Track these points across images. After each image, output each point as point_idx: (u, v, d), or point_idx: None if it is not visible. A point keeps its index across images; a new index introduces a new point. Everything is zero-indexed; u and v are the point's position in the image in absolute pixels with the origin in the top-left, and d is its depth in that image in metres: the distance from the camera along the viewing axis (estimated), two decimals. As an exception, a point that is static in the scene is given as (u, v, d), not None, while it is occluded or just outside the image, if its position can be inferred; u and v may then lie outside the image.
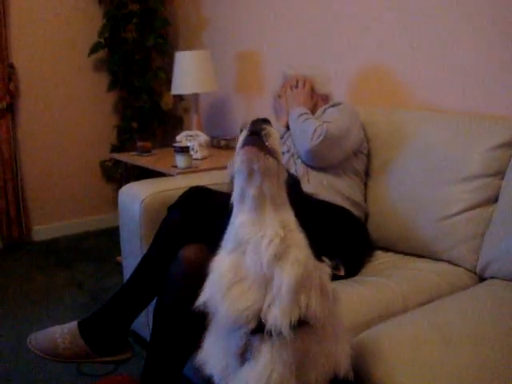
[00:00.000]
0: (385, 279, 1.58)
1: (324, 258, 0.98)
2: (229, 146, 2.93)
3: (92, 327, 1.57)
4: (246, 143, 0.93)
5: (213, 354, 1.03)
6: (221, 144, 3.07)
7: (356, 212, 1.84)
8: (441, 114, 1.99)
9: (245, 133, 0.94)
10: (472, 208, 1.67)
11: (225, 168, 2.20)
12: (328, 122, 1.82)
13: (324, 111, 1.95)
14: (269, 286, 0.91)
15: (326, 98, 2.08)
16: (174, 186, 1.95)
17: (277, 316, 0.89)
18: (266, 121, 0.95)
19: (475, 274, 1.66)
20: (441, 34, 2.02)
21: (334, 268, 1.01)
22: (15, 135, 3.36)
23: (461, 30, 1.95)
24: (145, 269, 1.61)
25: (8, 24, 3.23)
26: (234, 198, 0.97)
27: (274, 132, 0.94)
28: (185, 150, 2.47)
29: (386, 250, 1.89)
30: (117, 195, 2.07)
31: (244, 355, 0.96)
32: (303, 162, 1.88)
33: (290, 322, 0.89)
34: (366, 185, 1.97)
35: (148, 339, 1.56)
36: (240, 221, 0.94)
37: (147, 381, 1.44)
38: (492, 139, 1.66)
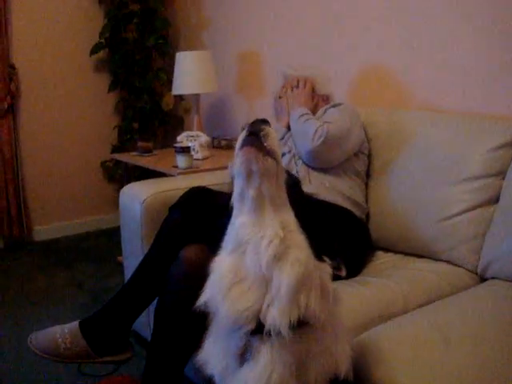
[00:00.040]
0: (385, 279, 1.58)
1: (325, 258, 0.98)
2: (229, 147, 2.93)
3: (93, 327, 1.57)
4: (244, 144, 0.93)
5: (213, 354, 1.03)
6: (221, 144, 3.08)
7: (357, 212, 1.84)
8: (441, 114, 1.99)
9: (243, 134, 0.94)
10: (473, 208, 1.67)
11: (225, 168, 2.21)
12: (329, 122, 1.82)
13: (325, 112, 1.95)
14: (268, 287, 0.91)
15: (326, 99, 2.08)
16: (175, 186, 1.95)
17: (276, 316, 0.89)
18: (264, 121, 0.95)
19: (476, 274, 1.66)
20: (441, 34, 2.02)
21: (336, 268, 1.01)
22: (16, 135, 3.36)
23: (461, 30, 1.95)
24: (146, 269, 1.61)
25: (9, 24, 3.24)
26: (234, 199, 0.97)
27: (273, 132, 0.94)
28: (186, 151, 2.47)
29: (387, 250, 1.89)
30: (118, 195, 2.07)
31: (244, 356, 0.96)
32: (304, 162, 1.88)
33: (290, 322, 0.89)
34: (366, 185, 1.97)
35: (149, 339, 1.56)
36: (240, 222, 0.94)
37: (148, 381, 1.44)
38: (493, 139, 1.66)
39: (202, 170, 2.48)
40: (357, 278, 1.63)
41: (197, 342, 1.28)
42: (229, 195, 1.01)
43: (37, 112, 3.45)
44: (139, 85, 3.47)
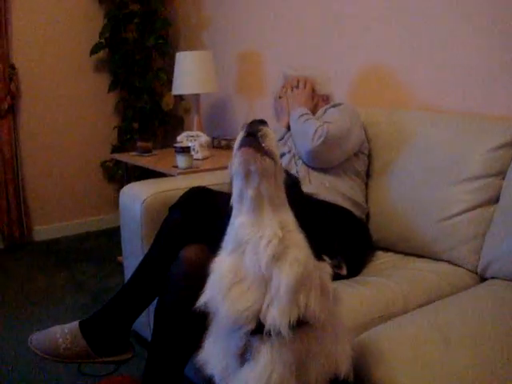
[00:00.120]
0: (385, 279, 1.58)
1: (325, 257, 0.98)
2: (229, 147, 2.93)
3: (93, 327, 1.57)
4: (242, 145, 0.93)
5: (213, 354, 1.03)
6: (221, 144, 3.08)
7: (357, 212, 1.84)
8: (441, 114, 1.99)
9: (241, 134, 0.94)
10: (473, 208, 1.67)
11: (225, 168, 2.21)
12: (329, 122, 1.82)
13: (325, 112, 1.95)
14: (268, 287, 0.91)
15: (326, 99, 2.08)
16: (175, 186, 1.95)
17: (275, 316, 0.89)
18: (262, 122, 0.95)
19: (476, 274, 1.66)
20: (441, 34, 2.02)
21: (336, 267, 1.01)
22: (16, 135, 3.37)
23: (461, 30, 1.95)
24: (146, 269, 1.61)
25: (9, 25, 3.24)
26: (233, 200, 0.97)
27: (271, 133, 0.94)
28: (186, 151, 2.47)
29: (387, 250, 1.89)
30: (118, 195, 2.07)
31: (244, 356, 0.96)
32: (304, 162, 1.88)
33: (289, 322, 0.89)
34: (366, 185, 1.97)
35: (149, 339, 1.56)
36: (239, 222, 0.94)
37: (148, 381, 1.44)
38: (493, 140, 1.66)
39: (202, 170, 2.49)
40: (357, 278, 1.63)
41: (197, 342, 1.28)
42: (229, 195, 1.01)
43: (37, 112, 3.45)
44: (139, 85, 3.47)
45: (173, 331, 1.40)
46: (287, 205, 0.96)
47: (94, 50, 3.45)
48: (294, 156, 1.91)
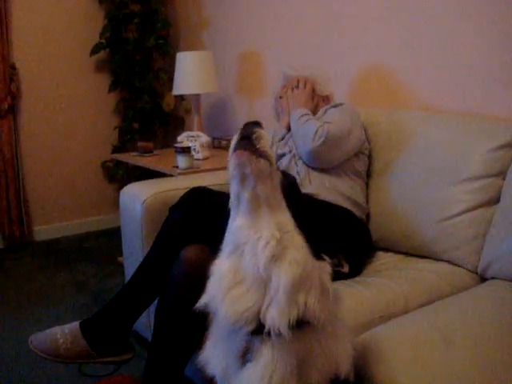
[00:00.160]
0: (386, 280, 1.58)
1: (324, 257, 0.98)
2: (230, 147, 2.93)
3: (94, 327, 1.57)
4: (237, 147, 0.94)
5: (214, 354, 1.03)
6: (222, 144, 3.08)
7: (357, 213, 1.84)
8: (441, 114, 1.99)
9: (236, 137, 0.95)
10: (473, 209, 1.67)
11: (226, 168, 2.20)
12: (329, 122, 1.82)
13: (325, 112, 1.95)
14: (267, 288, 0.91)
15: (326, 99, 2.08)
16: (176, 186, 1.95)
17: (275, 317, 0.90)
18: (256, 124, 0.95)
19: (476, 274, 1.66)
20: (441, 34, 2.02)
21: (337, 265, 1.01)
22: (17, 136, 3.37)
23: (461, 30, 1.95)
24: (146, 269, 1.61)
25: (9, 25, 3.24)
26: (231, 202, 0.97)
27: (265, 134, 0.94)
28: (186, 151, 2.47)
29: (387, 250, 1.89)
30: (118, 196, 2.07)
31: (245, 356, 0.96)
32: (304, 162, 1.88)
33: (289, 322, 0.89)
34: (367, 185, 1.97)
35: (149, 340, 1.56)
36: (237, 224, 0.95)
37: (148, 381, 1.44)
38: (493, 140, 1.66)
39: (202, 171, 2.49)
40: (357, 279, 1.63)
41: (197, 342, 1.28)
42: (229, 195, 1.01)
43: (37, 112, 3.45)
44: (140, 85, 3.47)
45: (173, 331, 1.40)
46: (284, 205, 0.96)
47: (95, 50, 3.45)
48: (294, 156, 1.91)
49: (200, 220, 1.54)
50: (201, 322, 1.05)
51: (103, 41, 3.46)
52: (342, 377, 0.97)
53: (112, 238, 3.42)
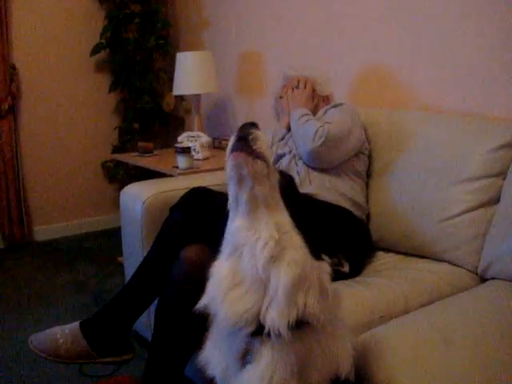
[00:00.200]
0: (386, 280, 1.58)
1: (324, 257, 0.98)
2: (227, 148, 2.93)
3: (94, 327, 1.57)
4: (233, 149, 0.93)
5: (214, 355, 1.03)
6: (222, 145, 3.08)
7: (357, 213, 1.84)
8: (442, 114, 1.99)
9: (232, 139, 0.95)
10: (473, 209, 1.67)
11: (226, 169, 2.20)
12: (329, 122, 1.82)
13: (325, 112, 1.95)
14: (266, 289, 0.91)
15: (327, 99, 2.09)
16: (176, 186, 1.95)
17: (274, 318, 0.90)
18: (253, 125, 0.95)
19: (477, 274, 1.66)
20: (441, 34, 2.02)
21: (337, 265, 1.01)
22: (17, 136, 3.37)
23: (461, 30, 1.95)
24: (146, 269, 1.61)
25: (10, 25, 3.24)
26: (229, 203, 0.97)
27: (262, 135, 0.94)
28: (186, 151, 2.47)
29: (387, 250, 1.89)
30: (118, 196, 2.07)
31: (245, 358, 0.96)
32: (305, 163, 1.88)
33: (288, 322, 0.89)
34: (367, 185, 1.97)
35: (149, 340, 1.56)
36: (236, 225, 0.95)
37: (149, 381, 1.44)
38: (493, 140, 1.66)
39: (202, 171, 2.49)
40: (357, 279, 1.63)
41: (198, 342, 1.28)
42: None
43: (37, 112, 3.45)
44: (140, 85, 3.47)
45: (173, 331, 1.41)
46: (282, 205, 0.96)
47: (95, 51, 3.45)
48: (294, 156, 1.91)
49: (200, 220, 1.54)
50: (201, 322, 1.05)
51: (103, 41, 3.46)
52: (342, 377, 0.97)
53: (112, 238, 3.42)
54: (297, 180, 1.84)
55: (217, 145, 3.13)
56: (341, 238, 1.57)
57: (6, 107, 3.22)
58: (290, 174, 1.84)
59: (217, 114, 3.39)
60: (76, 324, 1.58)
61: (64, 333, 1.56)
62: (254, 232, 0.93)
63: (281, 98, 2.09)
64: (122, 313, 1.58)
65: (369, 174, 1.98)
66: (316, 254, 0.96)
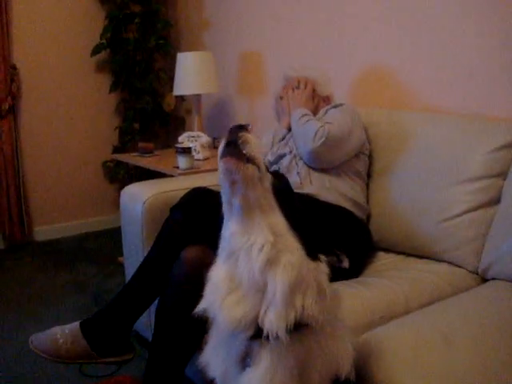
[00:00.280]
0: (386, 280, 1.58)
1: (321, 257, 0.97)
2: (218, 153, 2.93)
3: (94, 328, 1.57)
4: (223, 155, 0.93)
5: (214, 357, 1.03)
6: (222, 145, 3.08)
7: (358, 213, 1.84)
8: (442, 114, 1.99)
9: (222, 143, 0.94)
10: (474, 209, 1.67)
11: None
12: (330, 123, 1.82)
13: (326, 112, 1.95)
14: (264, 292, 0.91)
15: (327, 99, 2.09)
16: (176, 186, 1.96)
17: (272, 321, 0.89)
18: (242, 127, 0.94)
19: (477, 275, 1.66)
20: (441, 34, 2.02)
21: (337, 261, 1.01)
22: (17, 136, 3.37)
23: (461, 30, 1.95)
24: (147, 269, 1.61)
25: (10, 25, 3.24)
26: (223, 208, 0.97)
27: (252, 138, 0.93)
28: (187, 151, 2.47)
29: (388, 251, 1.89)
30: (119, 196, 2.07)
31: (244, 361, 0.96)
32: (305, 163, 1.88)
33: (286, 325, 0.89)
34: (367, 186, 1.97)
35: (150, 340, 1.56)
36: (230, 230, 0.95)
37: (149, 382, 1.45)
38: (494, 141, 1.66)
39: (202, 171, 2.49)
40: (358, 279, 1.63)
41: (198, 342, 1.29)
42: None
43: (38, 112, 3.46)
44: (140, 85, 3.47)
45: (174, 332, 1.41)
46: (277, 208, 0.95)
47: (95, 51, 3.45)
48: (295, 157, 1.91)
49: (200, 220, 1.54)
50: (201, 323, 1.05)
51: (104, 41, 3.46)
52: (342, 377, 0.97)
53: (112, 238, 3.42)
54: (297, 180, 1.84)
55: (217, 145, 3.10)
56: (341, 238, 1.57)
57: (7, 107, 3.22)
58: (291, 174, 1.86)
59: (217, 114, 3.39)
60: (76, 324, 1.58)
61: (64, 333, 1.56)
62: (249, 236, 0.92)
63: (281, 98, 2.09)
64: (123, 313, 1.58)
65: (369, 175, 1.98)
66: (313, 254, 0.95)
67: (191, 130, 3.13)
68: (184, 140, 2.72)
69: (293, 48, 2.75)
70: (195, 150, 2.68)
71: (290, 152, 1.93)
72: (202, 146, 2.73)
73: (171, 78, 3.08)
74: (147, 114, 3.52)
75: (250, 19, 3.01)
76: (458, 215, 1.68)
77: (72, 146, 3.62)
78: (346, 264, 1.02)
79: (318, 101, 2.05)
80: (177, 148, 2.51)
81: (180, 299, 1.37)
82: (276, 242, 0.91)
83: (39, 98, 3.44)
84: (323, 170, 1.86)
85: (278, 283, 0.89)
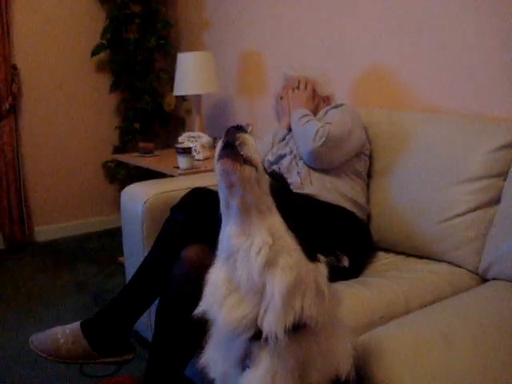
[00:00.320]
0: (386, 280, 1.58)
1: (320, 257, 0.97)
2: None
3: (95, 328, 1.57)
4: (221, 156, 0.93)
5: (214, 358, 1.03)
6: (222, 145, 3.08)
7: (358, 213, 1.84)
8: (442, 114, 1.99)
9: (219, 145, 0.94)
10: (474, 209, 1.67)
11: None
12: (330, 123, 1.82)
13: (326, 112, 1.95)
14: (263, 294, 0.91)
15: (327, 100, 2.09)
16: (177, 186, 1.96)
17: (271, 322, 0.89)
18: (239, 128, 0.94)
19: (477, 275, 1.66)
20: (441, 34, 2.02)
21: (336, 260, 1.01)
22: (18, 136, 3.37)
23: (461, 30, 1.95)
24: (147, 269, 1.61)
25: (11, 25, 3.24)
26: (221, 210, 0.97)
27: (249, 139, 0.93)
28: (187, 151, 2.47)
29: (388, 251, 1.89)
30: (119, 196, 2.08)
31: (244, 362, 0.96)
32: (305, 163, 1.88)
33: (285, 326, 0.89)
34: (367, 186, 1.97)
35: (150, 340, 1.56)
36: (228, 231, 0.94)
37: (149, 382, 1.45)
38: (494, 141, 1.66)
39: (203, 171, 2.49)
40: (358, 279, 1.63)
41: (198, 342, 1.29)
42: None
43: (38, 113, 3.46)
44: (140, 85, 3.47)
45: (174, 332, 1.41)
46: (275, 209, 0.95)
47: (96, 51, 3.46)
48: (295, 157, 1.91)
49: (201, 220, 1.54)
50: (202, 323, 1.05)
51: (104, 41, 3.46)
52: (342, 377, 0.97)
53: (113, 238, 3.42)
54: (298, 180, 1.84)
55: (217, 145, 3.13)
56: (341, 238, 1.57)
57: (7, 107, 3.22)
58: (291, 174, 1.86)
59: (217, 115, 3.39)
60: (77, 324, 1.58)
61: (65, 333, 1.56)
62: (247, 238, 0.92)
63: (281, 98, 2.09)
64: (123, 313, 1.58)
65: (369, 175, 1.98)
66: (312, 255, 0.95)
67: (191, 130, 3.14)
68: (184, 140, 2.72)
69: (293, 48, 2.75)
70: (195, 150, 2.68)
71: (291, 152, 1.93)
72: (203, 146, 2.73)
73: (171, 78, 3.08)
74: (147, 114, 3.52)
75: (250, 19, 3.01)
76: (458, 215, 1.68)
77: (72, 146, 3.62)
78: (345, 263, 1.02)
79: (318, 101, 2.05)
80: (177, 148, 2.51)
81: (180, 299, 1.37)
82: (274, 244, 0.91)
83: (39, 98, 3.44)
84: (323, 171, 1.86)
85: (277, 285, 0.89)
